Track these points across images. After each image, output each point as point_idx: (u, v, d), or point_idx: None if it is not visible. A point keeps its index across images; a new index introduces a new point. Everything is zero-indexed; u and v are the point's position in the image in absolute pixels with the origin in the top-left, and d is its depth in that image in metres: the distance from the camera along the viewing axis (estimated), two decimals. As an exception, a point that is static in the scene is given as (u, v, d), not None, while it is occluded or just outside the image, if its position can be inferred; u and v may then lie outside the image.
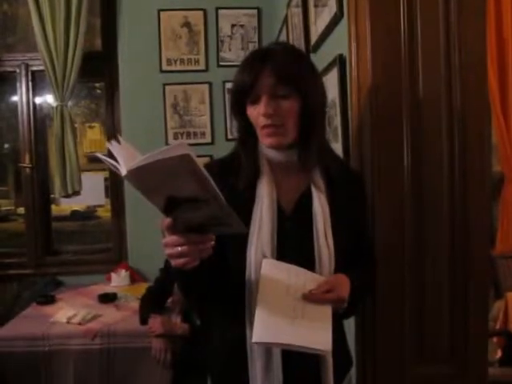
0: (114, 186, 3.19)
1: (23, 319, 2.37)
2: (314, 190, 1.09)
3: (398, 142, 1.34)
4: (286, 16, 2.48)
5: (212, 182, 0.71)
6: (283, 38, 2.64)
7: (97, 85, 3.92)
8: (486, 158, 1.36)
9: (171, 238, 0.83)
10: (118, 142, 0.76)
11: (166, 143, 3.07)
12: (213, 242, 0.87)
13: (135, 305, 2.41)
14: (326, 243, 1.04)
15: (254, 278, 1.02)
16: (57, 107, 2.89)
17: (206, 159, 2.80)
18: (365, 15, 1.35)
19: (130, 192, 3.05)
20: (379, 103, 1.34)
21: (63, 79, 2.86)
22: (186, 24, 3.10)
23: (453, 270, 1.35)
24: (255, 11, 3.14)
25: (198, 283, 1.01)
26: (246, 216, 1.04)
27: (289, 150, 1.10)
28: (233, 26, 3.14)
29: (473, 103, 1.33)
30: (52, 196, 3.29)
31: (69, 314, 2.31)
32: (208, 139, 3.15)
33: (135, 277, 3.00)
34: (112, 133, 3.11)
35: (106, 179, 3.50)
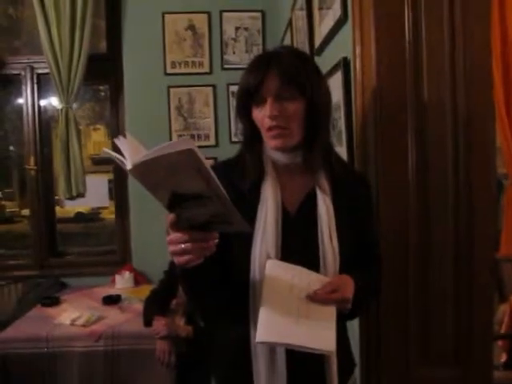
0: (118, 187, 3.20)
1: (27, 321, 2.38)
2: (318, 191, 1.09)
3: (402, 144, 1.34)
4: (291, 19, 2.49)
5: (216, 179, 0.72)
6: (287, 40, 2.65)
7: (101, 87, 3.94)
8: (491, 160, 1.36)
9: (175, 235, 0.84)
10: (125, 137, 0.76)
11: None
12: (216, 240, 0.87)
13: (139, 307, 2.42)
14: (330, 244, 1.04)
15: (258, 279, 1.02)
16: (62, 109, 2.90)
17: (210, 161, 2.81)
18: (369, 18, 1.35)
19: (134, 194, 3.06)
20: (383, 106, 1.34)
21: (68, 82, 2.88)
22: (191, 27, 3.12)
23: (457, 272, 1.35)
24: (259, 14, 3.15)
25: (201, 282, 1.01)
26: (251, 217, 1.05)
27: (294, 152, 1.10)
28: (237, 28, 3.15)
29: (477, 106, 1.32)
30: (56, 198, 3.30)
31: (73, 315, 2.32)
32: (212, 141, 3.16)
33: (139, 279, 3.01)
34: (116, 135, 3.12)
35: (110, 181, 3.51)
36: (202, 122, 3.15)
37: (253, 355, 1.04)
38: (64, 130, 2.90)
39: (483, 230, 1.35)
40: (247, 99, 1.07)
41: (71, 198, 2.96)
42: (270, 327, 0.93)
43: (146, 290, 2.52)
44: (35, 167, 3.14)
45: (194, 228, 0.83)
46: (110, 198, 3.58)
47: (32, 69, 3.13)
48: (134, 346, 2.13)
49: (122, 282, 2.91)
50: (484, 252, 1.36)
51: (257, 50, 3.12)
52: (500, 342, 2.60)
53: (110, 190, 3.54)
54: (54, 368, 2.11)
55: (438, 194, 1.35)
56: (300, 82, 1.04)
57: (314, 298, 0.97)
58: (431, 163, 1.34)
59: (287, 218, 1.07)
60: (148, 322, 2.19)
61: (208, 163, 0.69)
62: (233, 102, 3.12)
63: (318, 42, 1.91)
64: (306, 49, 2.04)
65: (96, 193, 3.47)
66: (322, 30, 1.84)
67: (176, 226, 0.83)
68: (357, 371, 1.25)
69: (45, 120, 3.24)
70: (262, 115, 1.05)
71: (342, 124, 1.58)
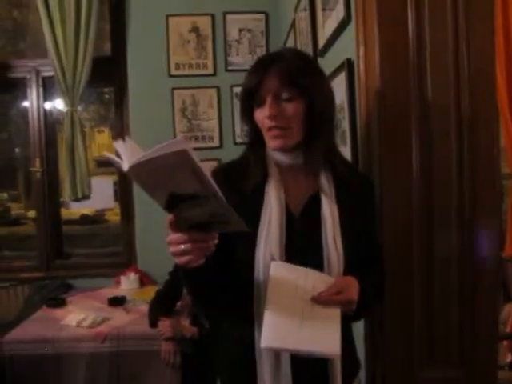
0: (123, 189, 3.21)
1: (33, 322, 2.39)
2: (322, 192, 1.09)
3: (406, 145, 1.34)
4: (294, 20, 2.49)
5: (210, 179, 0.72)
6: (291, 42, 2.65)
7: (105, 89, 3.96)
8: (495, 162, 1.36)
9: (174, 236, 0.84)
10: (124, 140, 0.77)
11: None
12: (216, 241, 0.87)
13: (144, 308, 2.43)
14: (334, 246, 1.05)
15: (262, 280, 1.02)
16: (67, 112, 2.92)
17: (214, 163, 2.82)
18: (372, 19, 1.35)
19: (138, 195, 3.07)
20: (387, 107, 1.34)
21: (73, 84, 2.90)
22: (194, 29, 3.13)
23: (462, 272, 1.35)
24: (263, 16, 3.16)
25: (203, 283, 1.02)
26: (255, 219, 1.05)
27: (294, 152, 1.10)
28: (240, 30, 3.15)
29: (481, 106, 1.32)
30: (62, 200, 3.32)
31: (78, 317, 2.33)
32: (216, 143, 3.16)
33: (144, 280, 3.02)
34: (121, 137, 3.13)
35: (115, 183, 3.53)
36: (206, 123, 3.16)
37: (257, 356, 1.04)
38: (69, 133, 2.91)
39: (488, 230, 1.35)
40: (249, 100, 1.08)
41: (76, 199, 2.97)
42: (275, 333, 0.93)
43: (151, 291, 2.53)
44: (41, 169, 3.15)
45: (193, 228, 0.83)
46: (115, 199, 3.59)
47: (37, 72, 3.15)
48: (140, 347, 2.14)
49: (127, 284, 2.92)
50: (489, 252, 1.36)
51: (260, 52, 3.13)
52: (505, 342, 2.59)
53: (114, 191, 3.55)
54: (60, 369, 2.12)
55: (442, 195, 1.34)
56: (299, 83, 1.04)
57: (319, 300, 0.97)
58: (435, 164, 1.34)
59: (291, 219, 1.07)
60: (153, 323, 2.20)
61: (207, 165, 0.70)
62: (237, 104, 3.13)
63: (321, 43, 1.92)
64: (310, 50, 2.05)
65: (101, 195, 3.49)
66: (325, 31, 1.84)
67: (175, 226, 0.83)
68: (362, 372, 1.25)
69: (50, 122, 3.25)
70: (262, 116, 1.06)
71: (346, 124, 1.59)
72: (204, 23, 3.14)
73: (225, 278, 1.06)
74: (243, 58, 3.15)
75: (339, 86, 1.60)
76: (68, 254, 3.32)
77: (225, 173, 1.15)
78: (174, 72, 3.13)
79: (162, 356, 2.09)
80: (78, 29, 2.88)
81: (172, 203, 0.77)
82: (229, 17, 3.14)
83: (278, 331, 0.94)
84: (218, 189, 0.74)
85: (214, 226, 0.85)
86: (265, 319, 0.95)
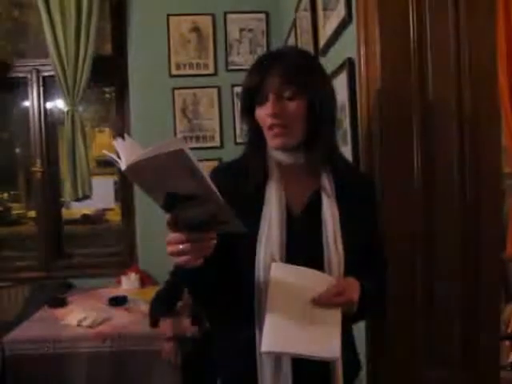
0: (123, 189, 3.21)
1: (34, 322, 2.38)
2: (323, 193, 1.08)
3: (407, 144, 1.34)
4: (295, 20, 2.49)
5: (208, 179, 0.72)
6: (291, 41, 2.65)
7: (106, 89, 3.96)
8: (497, 161, 1.36)
9: (172, 236, 0.84)
10: (123, 139, 0.76)
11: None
12: (214, 241, 0.87)
13: (145, 308, 2.42)
14: (335, 247, 1.04)
15: (262, 281, 1.02)
16: (67, 112, 2.92)
17: (215, 163, 2.82)
18: (374, 19, 1.35)
19: (139, 195, 3.07)
20: (389, 106, 1.34)
21: (74, 84, 2.90)
22: (195, 29, 3.13)
23: (464, 272, 1.35)
24: (263, 15, 3.16)
25: (203, 283, 1.02)
26: (256, 218, 1.05)
27: (296, 152, 1.10)
28: (241, 30, 3.15)
29: (483, 105, 1.32)
30: (62, 200, 3.32)
31: (79, 316, 2.33)
32: (217, 143, 3.16)
33: (145, 280, 3.01)
34: (122, 137, 3.13)
35: (115, 183, 3.53)
36: (207, 123, 3.16)
37: (258, 356, 1.04)
38: (70, 132, 2.91)
39: (489, 230, 1.34)
40: (250, 99, 1.08)
41: (77, 199, 2.98)
42: (275, 337, 0.93)
43: (151, 291, 2.52)
44: (41, 169, 3.15)
45: (192, 228, 0.83)
46: (116, 199, 3.59)
47: (38, 71, 3.15)
48: (141, 346, 2.14)
49: (128, 283, 2.92)
50: (490, 252, 1.35)
51: (261, 51, 3.12)
52: (507, 343, 2.59)
53: (115, 191, 3.55)
54: (61, 369, 2.12)
55: (443, 194, 1.34)
56: (301, 81, 1.04)
57: (319, 301, 0.97)
58: (437, 163, 1.34)
59: (292, 219, 1.06)
60: (154, 323, 2.20)
61: (204, 166, 0.69)
62: (237, 103, 3.13)
63: (322, 42, 1.92)
64: (311, 49, 2.04)
65: (101, 194, 3.48)
66: (326, 30, 1.84)
67: (174, 226, 0.83)
68: (363, 373, 1.24)
69: (51, 122, 3.25)
70: (263, 114, 1.06)
71: (347, 124, 1.58)
72: (205, 23, 3.14)
73: (225, 279, 1.06)
74: (244, 58, 3.15)
75: (340, 86, 1.59)
76: (69, 254, 3.33)
77: (225, 172, 1.15)
78: (174, 72, 3.13)
79: (163, 356, 2.09)
80: (79, 29, 2.88)
81: (170, 203, 0.77)
82: (229, 16, 3.14)
83: (278, 335, 0.93)
84: (215, 189, 0.74)
85: (212, 227, 0.85)
86: (265, 324, 0.95)
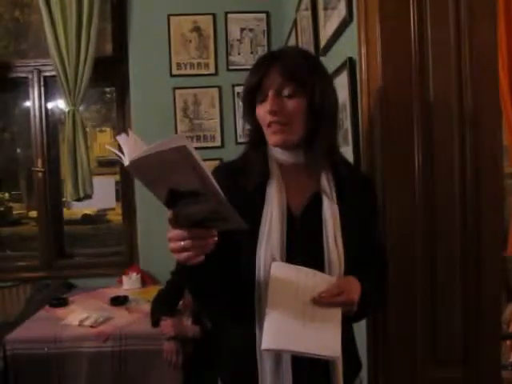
0: (124, 189, 3.21)
1: (36, 321, 2.39)
2: (323, 192, 1.09)
3: (408, 144, 1.34)
4: (295, 20, 2.49)
5: (210, 176, 0.72)
6: (292, 41, 2.65)
7: (107, 89, 3.96)
8: (498, 159, 1.36)
9: (174, 232, 0.84)
10: (127, 134, 0.77)
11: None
12: (215, 238, 0.87)
13: (146, 307, 2.43)
14: (335, 247, 1.04)
15: (263, 280, 1.02)
16: (68, 112, 2.92)
17: (216, 162, 2.82)
18: (374, 18, 1.35)
19: (140, 195, 3.08)
20: (389, 106, 1.34)
21: (75, 84, 2.90)
22: (196, 28, 3.13)
23: (465, 271, 1.35)
24: (264, 15, 3.16)
25: (204, 281, 1.02)
26: (256, 218, 1.05)
27: (295, 151, 1.10)
28: (242, 30, 3.15)
29: (484, 105, 1.32)
30: (63, 200, 3.33)
31: (81, 316, 2.33)
32: (218, 142, 3.16)
33: (146, 280, 3.02)
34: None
35: (116, 183, 3.53)
36: (208, 123, 3.16)
37: (258, 355, 1.04)
38: (71, 132, 2.91)
39: (491, 229, 1.34)
40: (251, 97, 1.08)
41: (78, 199, 2.98)
42: (276, 334, 0.93)
43: (153, 291, 2.53)
44: (42, 169, 3.16)
45: (193, 225, 0.83)
46: (117, 199, 3.59)
47: (39, 72, 3.15)
48: (142, 346, 2.14)
49: (130, 283, 2.92)
50: (491, 251, 1.35)
51: (262, 51, 3.13)
52: (508, 342, 2.58)
53: (116, 191, 3.55)
54: (62, 368, 2.12)
55: (444, 194, 1.34)
56: (301, 79, 1.04)
57: (319, 301, 0.97)
58: (437, 162, 1.34)
59: (292, 219, 1.07)
60: (155, 323, 2.20)
61: (210, 165, 0.70)
62: (238, 103, 3.13)
63: (323, 42, 1.92)
64: (311, 49, 2.04)
65: (103, 194, 3.49)
66: (327, 30, 1.84)
67: (175, 223, 0.83)
68: (364, 372, 1.24)
69: (52, 122, 3.26)
70: (263, 111, 1.06)
71: (348, 124, 1.58)
72: (205, 23, 3.14)
73: (225, 277, 1.06)
74: (245, 58, 3.15)
75: (341, 85, 1.59)
76: (70, 254, 3.33)
77: (227, 171, 1.15)
78: (175, 72, 3.13)
79: (164, 355, 2.09)
80: (80, 29, 2.88)
81: (172, 199, 0.77)
82: (230, 16, 3.14)
83: (278, 333, 0.94)
84: (218, 186, 0.74)
85: (213, 224, 0.85)
86: (265, 322, 0.95)
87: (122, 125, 3.18)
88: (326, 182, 1.09)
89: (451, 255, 1.35)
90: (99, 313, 2.39)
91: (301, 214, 1.09)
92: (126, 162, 0.70)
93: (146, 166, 0.70)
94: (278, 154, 1.12)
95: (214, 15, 3.14)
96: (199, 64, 3.14)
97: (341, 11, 1.61)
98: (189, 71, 3.14)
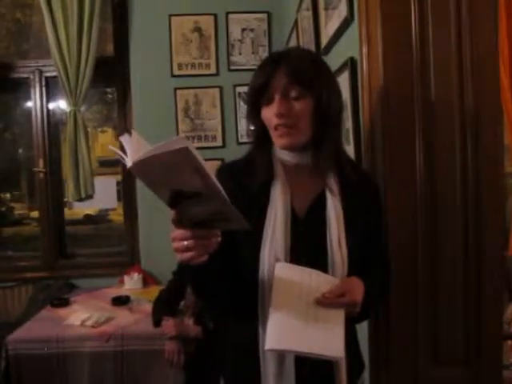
0: (126, 189, 3.21)
1: (37, 322, 2.39)
2: (327, 193, 1.08)
3: (410, 143, 1.34)
4: (296, 20, 2.49)
5: (212, 177, 0.72)
6: (293, 41, 2.65)
7: (108, 90, 3.96)
8: (499, 159, 1.36)
9: (177, 232, 0.84)
10: (130, 135, 0.77)
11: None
12: (219, 238, 0.87)
13: (148, 307, 2.43)
14: (339, 248, 1.04)
15: (266, 281, 1.02)
16: (70, 112, 2.92)
17: (217, 162, 2.82)
18: (376, 18, 1.35)
19: (142, 195, 3.08)
20: (391, 105, 1.34)
21: (76, 84, 2.90)
22: (197, 29, 3.13)
23: (466, 271, 1.35)
24: (265, 15, 3.16)
25: (207, 281, 1.02)
26: (260, 218, 1.05)
27: (302, 152, 1.10)
28: (243, 30, 3.15)
29: (485, 104, 1.32)
30: (65, 200, 3.33)
31: (82, 316, 2.34)
32: (219, 142, 3.16)
33: (148, 280, 3.02)
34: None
35: (118, 183, 3.53)
36: (209, 123, 3.16)
37: (261, 355, 1.04)
38: (72, 133, 2.92)
39: (492, 229, 1.34)
40: (257, 98, 1.08)
41: (80, 199, 2.98)
42: (279, 335, 0.93)
43: (154, 291, 2.53)
44: (44, 170, 3.16)
45: (196, 225, 0.83)
46: (118, 199, 3.59)
47: (40, 72, 3.16)
48: (144, 346, 2.14)
49: (131, 283, 2.93)
50: (493, 251, 1.35)
51: (263, 51, 3.13)
52: (510, 342, 2.58)
53: (117, 191, 3.55)
54: (64, 368, 2.13)
55: (446, 194, 1.34)
56: (308, 81, 1.03)
57: (323, 302, 0.97)
58: (439, 162, 1.34)
59: (296, 220, 1.07)
60: (157, 323, 2.20)
61: (209, 165, 0.70)
62: (239, 103, 3.13)
63: (324, 42, 1.92)
64: (313, 49, 2.04)
65: (104, 194, 3.49)
66: (328, 30, 1.84)
67: (178, 222, 0.83)
68: (366, 372, 1.24)
69: (53, 123, 3.26)
70: (269, 114, 1.06)
71: (349, 123, 1.58)
72: (206, 23, 3.14)
73: (229, 277, 1.06)
74: (246, 58, 3.15)
75: (342, 85, 1.59)
76: (72, 254, 3.33)
77: (230, 171, 1.14)
78: (176, 72, 3.13)
79: (166, 355, 2.09)
80: (81, 29, 2.89)
81: (175, 200, 0.77)
82: (231, 16, 3.14)
83: (281, 333, 0.94)
84: (220, 187, 0.74)
85: (216, 224, 0.85)
86: (269, 322, 0.95)
87: (123, 125, 3.19)
88: (330, 182, 1.09)
89: (452, 255, 1.35)
90: (101, 313, 2.39)
91: (305, 215, 1.09)
92: (129, 164, 0.70)
93: (149, 167, 0.70)
94: (282, 154, 1.12)
95: (215, 15, 3.14)
96: (200, 64, 3.14)
97: (342, 11, 1.61)
98: (190, 71, 3.14)
